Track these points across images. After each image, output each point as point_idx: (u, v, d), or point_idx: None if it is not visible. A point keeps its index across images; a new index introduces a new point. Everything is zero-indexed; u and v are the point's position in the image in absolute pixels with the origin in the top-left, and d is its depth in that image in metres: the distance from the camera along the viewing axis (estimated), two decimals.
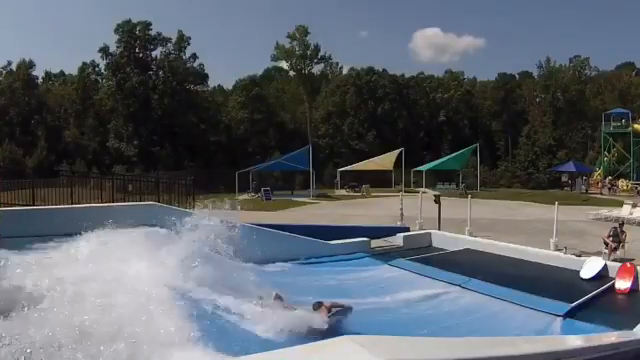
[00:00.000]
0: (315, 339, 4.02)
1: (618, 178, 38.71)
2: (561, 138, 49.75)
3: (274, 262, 8.65)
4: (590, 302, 7.20)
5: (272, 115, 53.02)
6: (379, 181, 39.05)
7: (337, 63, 58.02)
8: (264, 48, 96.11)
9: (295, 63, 50.34)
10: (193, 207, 14.08)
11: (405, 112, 53.55)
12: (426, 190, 32.06)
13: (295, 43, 49.53)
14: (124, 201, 14.89)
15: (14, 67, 49.06)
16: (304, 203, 29.69)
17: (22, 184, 16.13)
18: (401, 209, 17.41)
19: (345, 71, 58.23)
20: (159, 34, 48.52)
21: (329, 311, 5.75)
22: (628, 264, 8.49)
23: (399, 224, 15.53)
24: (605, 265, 8.78)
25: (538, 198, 29.65)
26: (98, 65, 50.75)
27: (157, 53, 49.05)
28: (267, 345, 4.43)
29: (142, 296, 4.93)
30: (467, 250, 10.87)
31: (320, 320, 5.48)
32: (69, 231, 6.69)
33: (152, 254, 6.10)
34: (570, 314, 6.56)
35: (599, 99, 51.18)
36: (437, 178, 42.10)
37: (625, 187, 36.29)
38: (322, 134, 52.09)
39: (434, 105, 55.43)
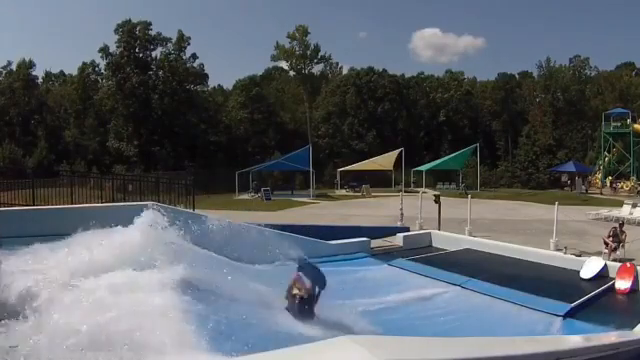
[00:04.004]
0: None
1: (620, 178, 38.80)
2: (561, 138, 49.71)
3: (274, 262, 8.65)
4: (590, 302, 7.20)
5: (272, 115, 52.97)
6: (379, 181, 39.09)
7: (337, 63, 58.11)
8: (264, 48, 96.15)
9: (295, 63, 50.29)
10: (193, 207, 14.09)
11: (405, 112, 53.52)
12: (426, 190, 32.05)
13: (295, 43, 49.49)
14: (124, 201, 14.88)
15: (14, 67, 49.06)
16: (304, 203, 29.68)
17: (22, 184, 16.10)
18: (401, 209, 17.41)
19: (345, 71, 58.34)
20: (159, 34, 48.43)
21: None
22: (628, 264, 8.50)
23: (399, 224, 15.55)
24: (605, 265, 8.79)
25: (538, 198, 29.68)
26: (98, 65, 50.71)
27: (157, 53, 49.02)
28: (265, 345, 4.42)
29: (141, 299, 4.91)
30: (467, 250, 10.88)
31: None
32: (67, 231, 6.66)
33: (145, 255, 6.02)
34: (570, 314, 6.57)
35: (599, 99, 51.13)
36: (437, 178, 42.15)
37: (627, 186, 36.34)
38: (322, 134, 52.06)
39: (434, 105, 55.40)
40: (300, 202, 30.09)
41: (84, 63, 50.88)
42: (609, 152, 41.79)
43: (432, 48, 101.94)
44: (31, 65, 49.67)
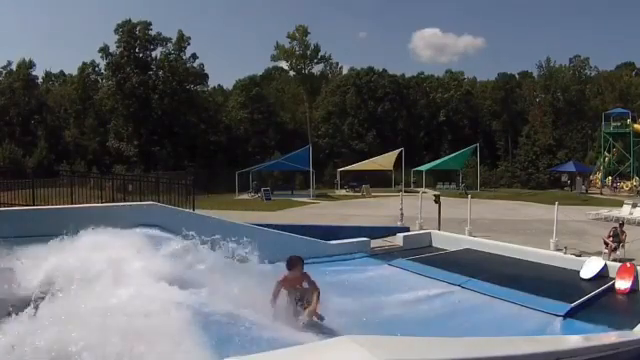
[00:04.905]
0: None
1: (620, 178, 38.83)
2: (561, 138, 49.74)
3: (274, 262, 8.64)
4: (590, 302, 7.19)
5: (272, 115, 53.00)
6: (379, 181, 39.13)
7: (337, 63, 58.15)
8: (264, 48, 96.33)
9: (295, 63, 50.32)
10: (193, 208, 14.10)
11: (405, 112, 53.54)
12: (426, 190, 32.05)
13: (295, 43, 49.52)
14: (124, 201, 14.88)
15: (14, 67, 49.11)
16: (304, 203, 29.69)
17: (22, 184, 16.11)
18: (401, 209, 17.42)
19: (345, 71, 58.39)
20: (159, 34, 48.48)
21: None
22: (628, 264, 8.48)
23: (399, 224, 15.53)
24: (605, 265, 8.77)
25: (538, 198, 29.70)
26: (98, 65, 50.78)
27: (157, 53, 49.07)
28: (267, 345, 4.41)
29: (144, 299, 4.88)
30: (467, 250, 10.86)
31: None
32: (67, 232, 6.64)
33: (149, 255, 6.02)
34: (570, 314, 6.55)
35: (599, 99, 51.17)
36: (437, 178, 42.19)
37: (627, 186, 36.38)
38: (322, 134, 52.09)
39: (434, 105, 55.43)
40: (300, 202, 30.09)
41: (84, 63, 51.00)
42: (609, 152, 41.80)
43: (432, 48, 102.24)
44: (31, 65, 49.77)
